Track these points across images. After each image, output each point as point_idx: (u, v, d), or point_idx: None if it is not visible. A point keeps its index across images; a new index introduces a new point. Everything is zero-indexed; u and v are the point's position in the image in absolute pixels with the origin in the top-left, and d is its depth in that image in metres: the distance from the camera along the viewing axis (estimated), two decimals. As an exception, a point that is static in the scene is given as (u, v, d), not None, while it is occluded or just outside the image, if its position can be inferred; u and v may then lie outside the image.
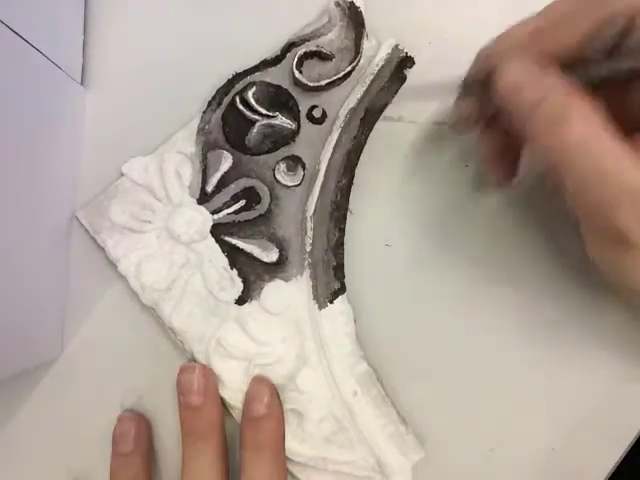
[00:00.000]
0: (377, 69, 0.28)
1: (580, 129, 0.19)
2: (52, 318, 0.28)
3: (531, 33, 0.22)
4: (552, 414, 0.28)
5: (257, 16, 0.30)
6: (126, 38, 0.30)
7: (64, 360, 0.29)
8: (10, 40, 0.22)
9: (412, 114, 0.29)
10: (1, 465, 0.28)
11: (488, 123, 0.25)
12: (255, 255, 0.27)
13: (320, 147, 0.27)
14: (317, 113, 0.28)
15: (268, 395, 0.26)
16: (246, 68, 0.28)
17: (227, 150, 0.28)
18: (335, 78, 0.27)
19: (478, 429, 0.28)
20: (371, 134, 0.28)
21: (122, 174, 0.28)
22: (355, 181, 0.28)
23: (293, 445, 0.27)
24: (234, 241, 0.27)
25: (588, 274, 0.28)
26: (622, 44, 0.21)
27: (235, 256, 0.27)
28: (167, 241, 0.27)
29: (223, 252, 0.27)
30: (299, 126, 0.28)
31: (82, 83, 0.29)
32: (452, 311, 0.29)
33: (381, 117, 0.29)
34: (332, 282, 0.27)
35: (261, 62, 0.28)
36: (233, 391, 0.27)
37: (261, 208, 0.27)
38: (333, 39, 0.28)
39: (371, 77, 0.28)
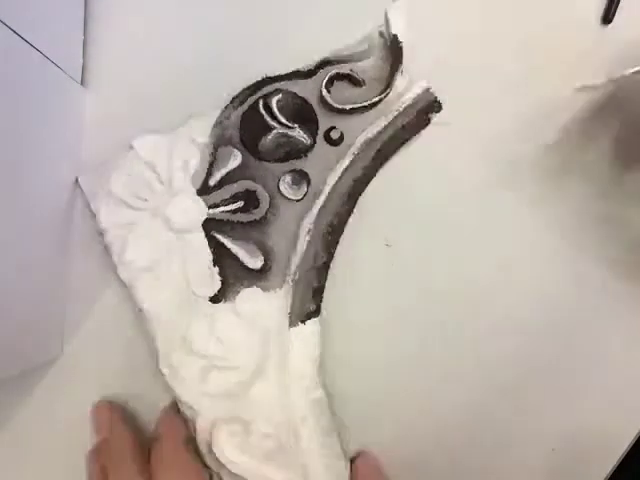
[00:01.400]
0: (404, 107, 0.28)
1: None
2: (52, 318, 0.28)
3: None
4: (552, 414, 0.28)
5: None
6: (126, 38, 0.30)
7: (64, 360, 0.28)
8: (10, 40, 0.22)
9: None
10: (1, 465, 0.28)
11: None
12: (240, 258, 0.27)
13: (329, 169, 0.27)
14: (335, 135, 0.28)
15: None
16: (277, 74, 0.28)
17: (238, 149, 0.28)
18: (360, 105, 0.28)
19: (477, 429, 0.28)
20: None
21: (131, 147, 0.28)
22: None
23: (234, 454, 0.26)
24: (223, 239, 0.27)
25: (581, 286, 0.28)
26: None
27: (220, 254, 0.27)
28: (159, 224, 0.27)
29: (210, 247, 0.27)
30: (314, 143, 0.28)
31: (82, 83, 0.29)
32: (451, 311, 0.28)
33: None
34: (309, 303, 0.27)
35: (293, 72, 0.28)
36: (186, 386, 0.27)
37: (258, 214, 0.27)
38: (368, 67, 0.29)
39: (396, 113, 0.28)
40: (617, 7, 0.29)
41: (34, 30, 0.24)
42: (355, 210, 0.28)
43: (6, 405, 0.28)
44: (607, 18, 0.29)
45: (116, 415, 0.27)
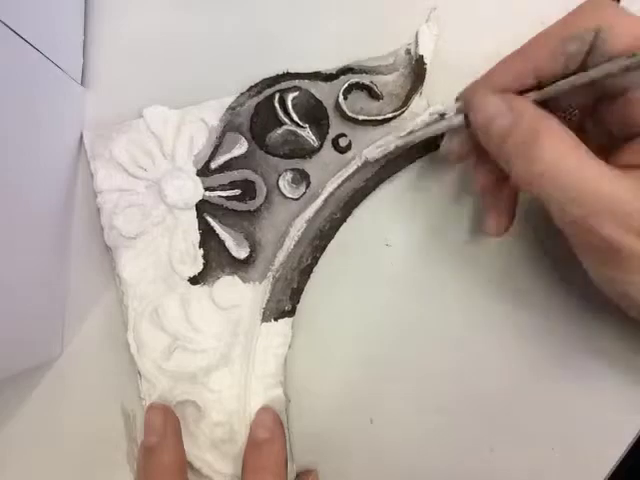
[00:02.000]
0: (417, 128, 0.28)
1: (552, 148, 0.20)
2: (52, 318, 0.28)
3: (503, 68, 0.23)
4: (552, 414, 0.28)
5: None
6: (126, 38, 0.30)
7: (64, 360, 0.28)
8: (10, 40, 0.22)
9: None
10: (1, 465, 0.28)
11: (480, 157, 0.25)
12: (226, 245, 0.27)
13: (331, 175, 0.27)
14: (343, 142, 0.28)
15: (271, 420, 0.26)
16: (298, 72, 0.28)
17: (246, 138, 0.28)
18: (373, 119, 0.28)
19: (477, 429, 0.28)
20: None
21: (141, 116, 0.28)
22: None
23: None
24: (213, 223, 0.27)
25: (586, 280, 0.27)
26: (589, 61, 0.21)
27: (208, 237, 0.27)
28: (153, 195, 0.27)
29: (199, 229, 0.27)
30: (321, 146, 0.28)
31: (82, 83, 0.29)
32: (452, 310, 0.28)
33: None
34: (285, 302, 0.27)
35: (314, 72, 0.28)
36: (149, 359, 0.27)
37: (252, 205, 0.27)
38: (389, 82, 0.29)
39: (407, 133, 0.28)
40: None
41: (34, 30, 0.23)
42: (355, 211, 0.28)
43: (6, 405, 0.28)
44: None
45: (170, 423, 0.26)
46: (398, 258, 0.29)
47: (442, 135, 0.28)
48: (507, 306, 0.28)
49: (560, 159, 0.20)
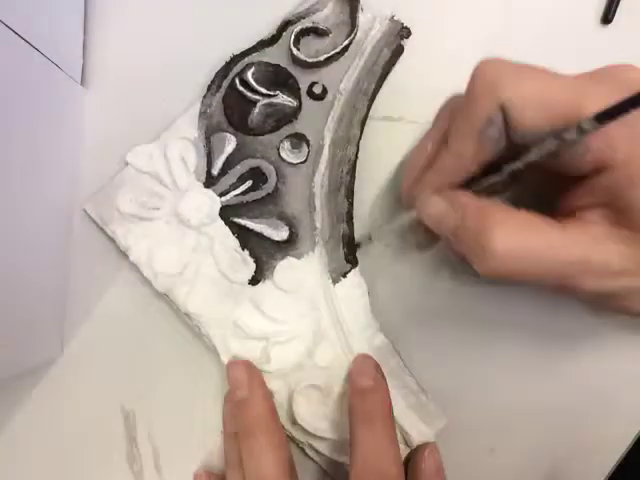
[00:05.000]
0: (375, 41, 0.28)
1: (503, 238, 0.20)
2: (52, 318, 0.28)
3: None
4: (552, 414, 0.28)
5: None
6: (126, 38, 0.30)
7: (64, 360, 0.29)
8: (10, 40, 0.22)
9: (412, 114, 0.29)
10: (1, 465, 0.28)
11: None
12: (265, 234, 0.27)
13: (323, 123, 0.28)
14: (317, 89, 0.28)
15: (373, 368, 0.26)
16: (243, 50, 0.28)
17: (230, 132, 0.28)
18: (333, 53, 0.27)
19: (478, 428, 0.28)
20: (371, 133, 0.28)
21: (126, 163, 0.28)
22: (355, 181, 0.28)
23: (315, 421, 0.27)
24: (243, 222, 0.27)
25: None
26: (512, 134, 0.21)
27: (246, 237, 0.27)
28: (177, 226, 0.27)
29: (233, 234, 0.27)
30: (300, 103, 0.28)
31: (82, 83, 0.29)
32: (456, 306, 0.29)
33: (381, 117, 0.29)
34: (345, 255, 0.27)
35: (258, 42, 0.28)
36: (253, 371, 0.27)
37: (268, 187, 0.28)
38: (328, 14, 0.28)
39: (369, 49, 0.28)
40: (617, 7, 0.29)
41: (34, 30, 0.23)
42: (355, 210, 0.28)
43: (6, 405, 0.28)
44: (607, 18, 0.29)
45: (256, 376, 0.26)
46: (398, 257, 0.29)
47: (401, 36, 0.28)
48: (508, 303, 0.28)
49: (514, 244, 0.20)
